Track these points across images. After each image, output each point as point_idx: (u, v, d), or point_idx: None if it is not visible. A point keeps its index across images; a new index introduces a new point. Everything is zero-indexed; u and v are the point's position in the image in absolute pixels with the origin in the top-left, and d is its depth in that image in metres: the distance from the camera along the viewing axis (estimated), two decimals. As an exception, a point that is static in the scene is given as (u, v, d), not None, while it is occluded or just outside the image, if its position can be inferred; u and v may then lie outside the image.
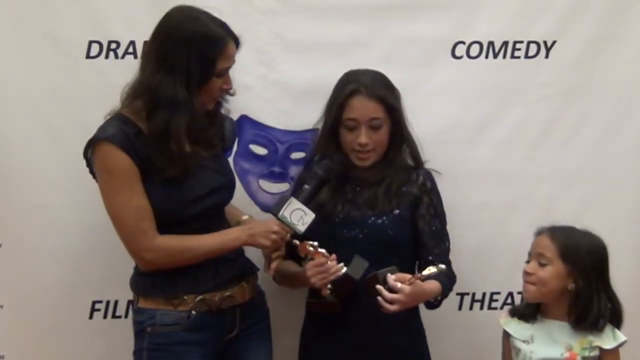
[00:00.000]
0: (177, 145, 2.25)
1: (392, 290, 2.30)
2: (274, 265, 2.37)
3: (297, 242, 2.35)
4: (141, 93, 2.29)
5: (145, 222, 2.27)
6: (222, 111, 2.49)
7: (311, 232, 2.42)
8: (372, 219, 2.48)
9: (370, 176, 2.54)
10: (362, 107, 2.46)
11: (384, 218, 2.48)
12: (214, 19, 2.31)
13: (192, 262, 2.32)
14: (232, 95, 2.45)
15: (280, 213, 2.34)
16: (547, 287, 2.36)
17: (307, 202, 2.37)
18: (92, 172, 2.33)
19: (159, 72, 2.25)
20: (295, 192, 2.45)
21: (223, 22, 2.32)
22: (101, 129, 2.28)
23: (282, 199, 2.37)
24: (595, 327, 2.33)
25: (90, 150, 2.30)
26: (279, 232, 2.33)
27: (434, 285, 2.43)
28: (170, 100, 2.24)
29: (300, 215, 2.34)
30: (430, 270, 2.34)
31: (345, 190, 2.54)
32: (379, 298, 2.30)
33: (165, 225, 2.30)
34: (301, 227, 2.34)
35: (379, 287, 2.30)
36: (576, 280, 2.34)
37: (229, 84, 2.37)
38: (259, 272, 2.51)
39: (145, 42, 2.50)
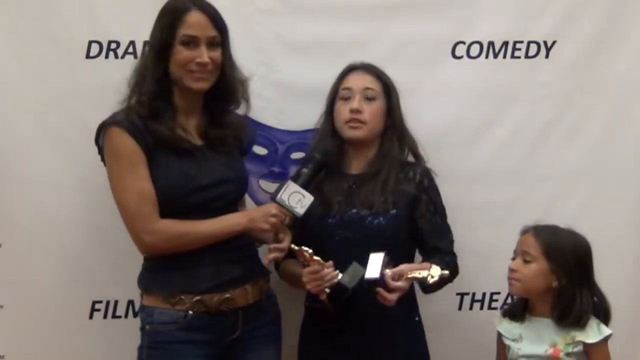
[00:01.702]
0: (158, 112, 2.32)
1: (390, 289, 2.32)
2: (271, 256, 2.35)
3: (295, 247, 2.34)
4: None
5: (147, 206, 2.29)
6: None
7: (308, 232, 2.42)
8: (369, 218, 2.48)
9: (366, 170, 2.54)
10: (358, 78, 2.53)
11: (381, 218, 2.48)
12: None
13: (193, 247, 2.32)
14: (244, 81, 2.46)
15: (278, 196, 2.33)
16: (530, 284, 2.40)
17: (306, 185, 2.35)
18: (103, 159, 2.37)
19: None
20: (294, 177, 2.43)
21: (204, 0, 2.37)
22: (111, 115, 2.35)
23: (281, 184, 2.37)
24: (577, 323, 2.36)
25: (101, 136, 2.34)
26: (277, 215, 2.32)
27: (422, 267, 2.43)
28: (142, 75, 2.34)
29: (298, 198, 2.33)
30: (430, 275, 2.34)
31: (342, 187, 2.54)
32: (379, 297, 2.33)
33: (169, 214, 2.32)
34: (300, 210, 2.33)
35: (380, 290, 2.32)
36: (559, 277, 2.38)
37: (203, 57, 2.32)
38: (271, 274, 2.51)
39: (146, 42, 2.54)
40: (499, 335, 2.51)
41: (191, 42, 2.32)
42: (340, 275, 2.33)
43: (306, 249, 2.33)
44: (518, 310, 2.47)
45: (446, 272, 2.35)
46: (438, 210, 2.57)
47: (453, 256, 2.57)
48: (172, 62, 2.33)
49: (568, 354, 2.36)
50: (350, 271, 2.33)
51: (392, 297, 2.33)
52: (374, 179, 2.52)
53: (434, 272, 2.34)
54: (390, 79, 2.57)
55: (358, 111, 2.48)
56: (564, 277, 2.37)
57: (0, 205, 2.68)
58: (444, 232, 2.58)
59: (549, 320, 2.40)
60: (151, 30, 2.37)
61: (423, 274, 2.35)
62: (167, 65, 2.33)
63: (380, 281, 2.32)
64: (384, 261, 2.34)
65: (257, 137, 2.68)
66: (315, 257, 2.33)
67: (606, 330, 2.37)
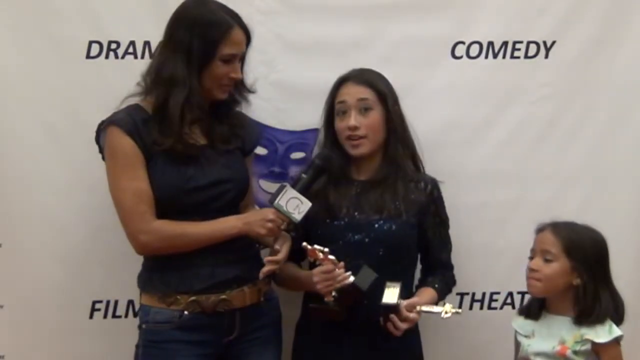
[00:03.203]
0: (173, 119, 2.29)
1: (402, 318, 2.35)
2: (266, 269, 2.35)
3: (308, 246, 2.33)
4: (149, 73, 2.35)
5: (142, 206, 2.30)
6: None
7: (315, 235, 2.42)
8: (380, 222, 2.48)
9: (373, 176, 2.54)
10: (350, 91, 2.50)
11: (392, 223, 2.47)
12: (224, 8, 2.37)
13: (188, 249, 2.33)
14: (253, 92, 2.49)
15: (276, 202, 2.33)
16: (552, 283, 2.37)
17: (304, 191, 2.35)
18: (104, 158, 2.38)
19: (164, 52, 2.34)
20: (293, 183, 2.44)
21: (234, 12, 2.37)
22: (112, 114, 2.35)
23: (279, 188, 2.37)
24: (598, 321, 2.34)
25: (101, 135, 2.35)
26: (274, 220, 2.33)
27: (430, 298, 2.48)
28: (170, 77, 2.30)
29: (296, 204, 2.33)
30: (445, 310, 2.37)
31: (349, 192, 2.53)
32: (389, 324, 2.35)
33: (166, 213, 2.32)
34: (297, 216, 2.33)
35: (393, 317, 2.34)
36: (581, 275, 2.35)
37: (238, 73, 2.38)
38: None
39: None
40: (515, 333, 2.50)
41: (231, 59, 2.34)
42: (352, 277, 2.32)
43: (320, 247, 2.32)
44: (534, 308, 2.45)
45: (460, 310, 2.38)
46: (443, 220, 2.59)
47: (451, 270, 2.61)
48: (207, 74, 2.33)
49: (575, 352, 2.34)
50: (362, 274, 2.33)
51: (403, 326, 2.34)
52: (383, 185, 2.52)
53: (448, 309, 2.37)
54: (384, 85, 2.54)
55: (355, 127, 2.47)
56: (586, 275, 2.35)
57: (0, 205, 2.68)
58: (446, 243, 2.60)
59: (565, 318, 2.38)
60: (179, 35, 2.32)
61: (437, 309, 2.37)
62: (199, 75, 2.32)
63: (396, 308, 2.33)
64: (400, 291, 2.36)
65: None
66: (330, 257, 2.32)
67: (617, 331, 2.35)
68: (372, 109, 2.49)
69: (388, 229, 2.47)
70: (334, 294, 2.34)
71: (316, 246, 2.33)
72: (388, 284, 2.37)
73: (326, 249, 2.33)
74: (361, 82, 2.51)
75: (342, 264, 2.34)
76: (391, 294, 2.34)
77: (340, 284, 2.32)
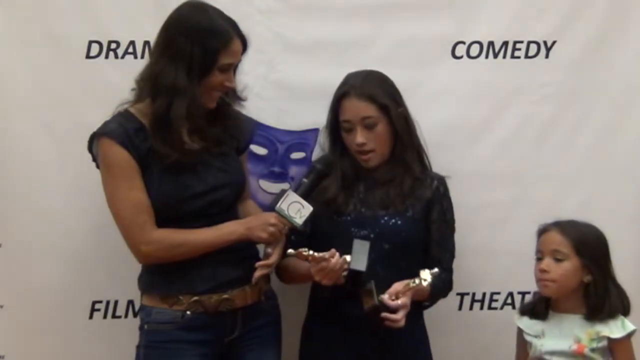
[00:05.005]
0: (176, 130, 2.27)
1: (393, 310, 2.31)
2: (257, 274, 2.34)
3: (293, 251, 2.30)
4: (146, 80, 2.31)
5: (142, 216, 2.29)
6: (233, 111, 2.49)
7: (321, 231, 2.43)
8: (385, 218, 2.48)
9: (381, 176, 2.54)
10: (353, 108, 2.48)
11: (397, 219, 2.48)
12: (223, 15, 2.33)
13: (190, 256, 2.32)
14: (243, 100, 2.47)
15: (278, 206, 2.33)
16: (567, 283, 2.38)
17: (306, 196, 2.36)
18: (98, 166, 2.36)
19: (163, 59, 2.28)
20: (295, 186, 2.43)
21: (233, 20, 2.34)
22: (103, 124, 2.32)
23: (280, 193, 2.37)
24: (610, 316, 2.35)
25: (94, 145, 2.33)
26: (276, 224, 2.32)
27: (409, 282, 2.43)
28: (171, 86, 2.25)
29: (297, 208, 2.33)
30: (423, 278, 2.32)
31: (357, 189, 2.54)
32: (387, 322, 2.31)
33: (165, 221, 2.31)
34: (299, 220, 2.33)
35: (385, 315, 2.30)
36: (591, 271, 2.37)
37: (232, 82, 2.36)
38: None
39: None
40: (519, 332, 2.50)
41: (228, 69, 2.32)
42: (348, 258, 2.30)
43: (303, 250, 2.30)
44: (541, 308, 2.45)
45: (435, 270, 2.34)
46: (448, 220, 2.57)
47: (449, 273, 2.57)
48: (203, 82, 2.29)
49: (592, 350, 2.35)
50: (355, 252, 2.32)
51: (398, 316, 2.31)
52: (390, 182, 2.52)
53: (425, 275, 2.32)
54: (385, 94, 2.50)
55: (363, 144, 2.48)
56: (596, 271, 2.37)
57: (0, 205, 2.68)
58: (448, 247, 2.57)
59: (575, 316, 2.39)
60: (179, 42, 2.26)
61: (416, 282, 2.33)
62: (196, 82, 2.28)
63: (381, 307, 2.30)
64: (375, 289, 2.31)
65: (257, 137, 2.67)
66: (317, 255, 2.30)
67: (630, 326, 2.36)
68: (377, 124, 2.48)
69: (394, 224, 2.48)
70: (344, 274, 2.32)
71: (300, 249, 2.30)
72: (363, 292, 2.34)
73: (311, 252, 2.29)
74: (362, 96, 2.48)
75: (333, 251, 2.31)
76: (369, 299, 2.32)
77: (343, 270, 2.31)
